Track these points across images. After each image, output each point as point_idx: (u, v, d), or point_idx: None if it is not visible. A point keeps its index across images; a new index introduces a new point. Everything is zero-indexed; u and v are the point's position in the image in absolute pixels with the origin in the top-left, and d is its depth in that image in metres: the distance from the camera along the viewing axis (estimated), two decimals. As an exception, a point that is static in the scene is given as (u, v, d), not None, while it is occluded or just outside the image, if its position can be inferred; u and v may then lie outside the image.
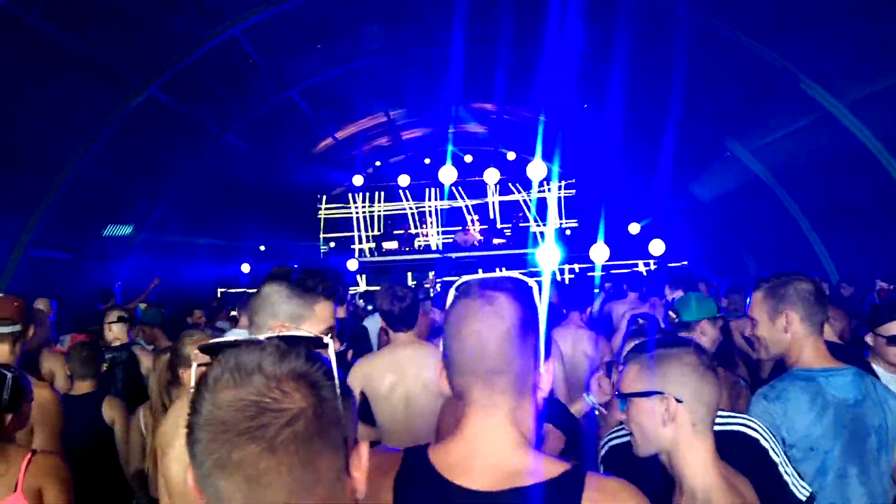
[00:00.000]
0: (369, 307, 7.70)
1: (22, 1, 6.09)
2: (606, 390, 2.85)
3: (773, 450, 1.88)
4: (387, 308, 3.26)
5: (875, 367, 2.95)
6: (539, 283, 1.30)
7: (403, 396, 3.11)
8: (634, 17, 7.67)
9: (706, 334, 3.33)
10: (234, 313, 7.93)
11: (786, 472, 1.85)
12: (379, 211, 17.70)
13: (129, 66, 7.91)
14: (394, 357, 3.23)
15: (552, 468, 1.17)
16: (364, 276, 15.47)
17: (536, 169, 9.82)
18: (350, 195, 17.61)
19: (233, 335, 4.58)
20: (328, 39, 9.95)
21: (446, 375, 1.28)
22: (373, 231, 17.54)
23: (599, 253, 8.64)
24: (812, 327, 2.32)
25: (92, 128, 8.10)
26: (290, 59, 10.13)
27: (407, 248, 15.49)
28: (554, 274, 13.10)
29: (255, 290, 1.93)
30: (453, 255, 14.41)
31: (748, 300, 2.48)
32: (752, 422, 1.95)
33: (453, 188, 16.70)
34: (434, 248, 16.51)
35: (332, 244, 17.15)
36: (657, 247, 11.03)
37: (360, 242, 17.49)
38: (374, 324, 5.69)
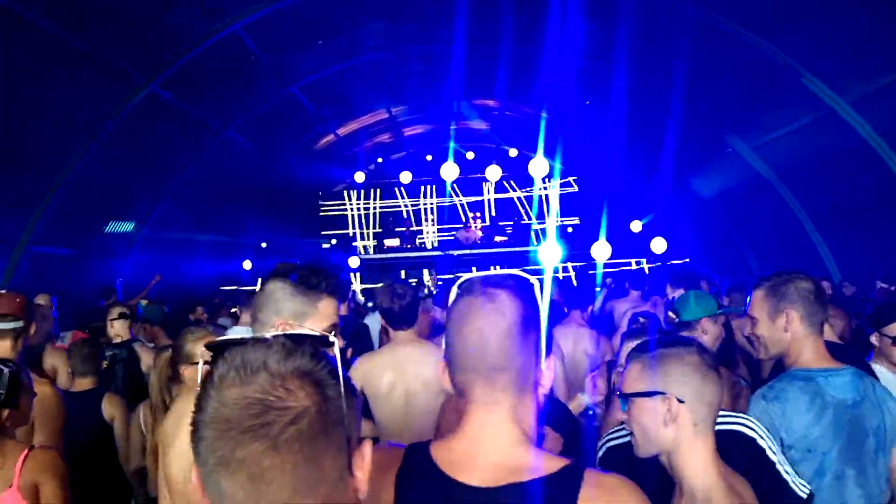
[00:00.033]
0: (370, 304, 7.70)
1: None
2: (601, 390, 2.85)
3: (770, 448, 1.87)
4: (387, 306, 3.24)
5: (878, 367, 2.92)
6: (541, 281, 1.30)
7: (403, 395, 3.10)
8: (635, 13, 7.66)
9: (707, 332, 3.31)
10: (234, 310, 7.94)
11: (784, 470, 1.84)
12: (375, 209, 17.68)
13: (131, 63, 7.91)
14: (393, 355, 3.21)
15: (551, 464, 1.18)
16: (358, 274, 15.46)
17: (538, 166, 9.80)
18: (346, 192, 17.60)
19: (234, 332, 4.59)
20: (329, 36, 9.94)
21: (448, 373, 1.29)
22: (370, 228, 17.53)
23: (601, 251, 8.63)
24: (812, 327, 2.30)
25: (93, 125, 8.11)
26: (291, 55, 10.13)
27: (409, 246, 15.50)
28: (555, 271, 13.09)
29: (258, 288, 1.93)
30: (454, 253, 14.41)
31: (748, 298, 2.46)
32: (750, 421, 1.94)
33: (450, 186, 16.71)
34: (430, 245, 16.50)
35: (334, 241, 17.15)
36: (659, 245, 11.02)
37: (363, 239, 17.49)
38: (375, 321, 5.68)
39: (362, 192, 17.57)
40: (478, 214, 16.91)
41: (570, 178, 16.99)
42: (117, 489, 3.71)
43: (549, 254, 8.64)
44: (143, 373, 4.53)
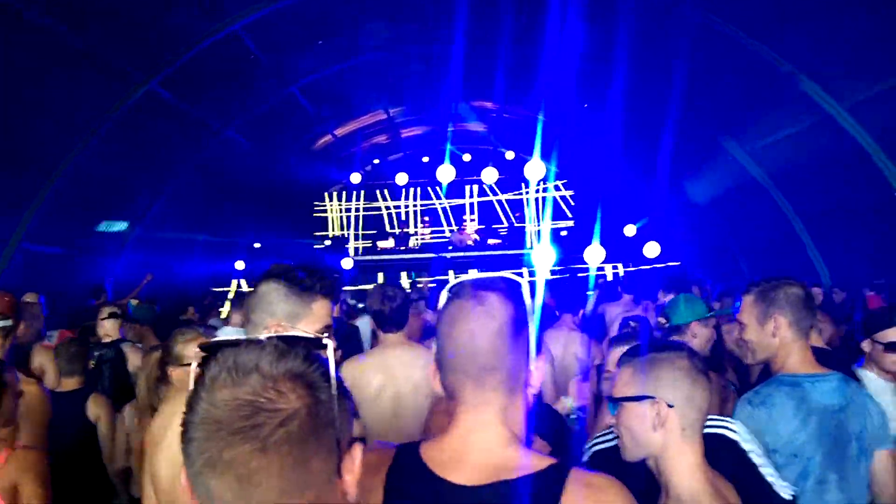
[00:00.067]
0: (360, 305, 7.67)
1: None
2: (584, 395, 2.85)
3: (753, 451, 1.88)
4: (377, 308, 3.21)
5: (869, 373, 2.94)
6: (533, 283, 1.31)
7: (392, 398, 3.08)
8: (634, 16, 7.66)
9: (697, 336, 3.33)
10: (223, 310, 7.91)
11: (769, 473, 1.85)
12: (362, 210, 17.64)
13: (130, 61, 7.89)
14: (383, 358, 3.18)
15: (538, 463, 1.20)
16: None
17: (534, 169, 9.80)
18: (341, 193, 17.58)
19: (224, 333, 4.57)
20: (329, 36, 9.94)
21: (439, 376, 1.31)
22: (363, 230, 17.50)
23: (594, 254, 8.62)
24: (800, 332, 2.32)
25: (91, 123, 8.08)
26: (291, 55, 10.12)
27: (403, 248, 15.49)
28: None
29: (250, 289, 1.92)
30: (448, 255, 14.42)
31: (737, 303, 2.47)
32: (734, 424, 1.95)
33: (439, 188, 16.75)
34: (414, 246, 16.49)
35: (328, 242, 17.14)
36: (652, 249, 11.02)
37: (356, 241, 17.47)
38: (365, 324, 5.66)
39: (358, 193, 17.54)
40: (473, 217, 16.92)
41: (564, 182, 17.01)
42: (100, 489, 3.70)
43: (543, 257, 8.63)
44: (129, 373, 4.51)
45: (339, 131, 14.72)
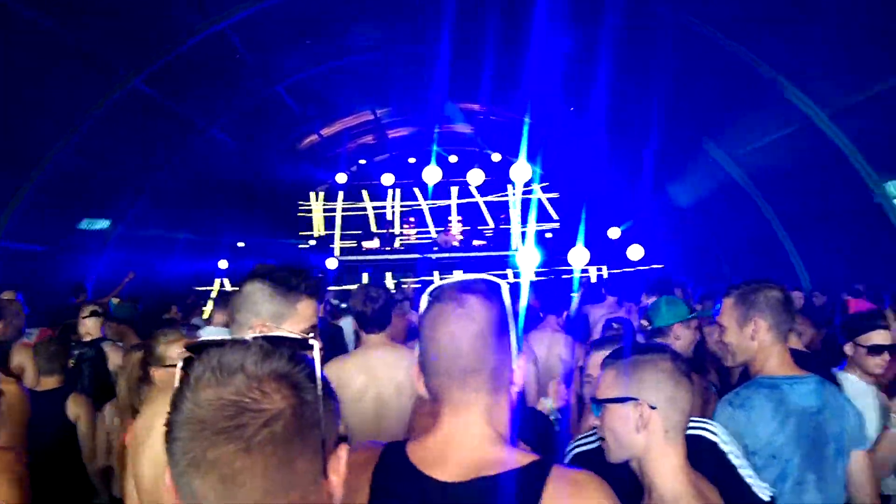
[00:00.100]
0: (343, 305, 7.65)
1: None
2: (563, 395, 2.86)
3: (732, 452, 1.89)
4: (360, 309, 3.19)
5: (851, 376, 2.97)
6: (511, 285, 1.32)
7: (375, 399, 3.06)
8: (618, 20, 7.71)
9: (680, 338, 3.35)
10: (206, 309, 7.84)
11: (747, 474, 1.86)
12: (343, 211, 17.59)
13: (114, 57, 7.82)
14: (365, 359, 3.16)
15: (521, 459, 1.22)
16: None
17: (520, 170, 9.82)
18: (326, 193, 17.52)
19: (207, 333, 4.54)
20: (316, 36, 9.91)
21: (423, 378, 1.32)
22: (333, 230, 17.44)
23: (579, 256, 8.66)
24: (779, 336, 2.34)
25: (73, 119, 8.00)
26: (277, 54, 10.09)
27: (388, 248, 15.47)
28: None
29: (234, 289, 1.91)
30: (433, 256, 14.42)
31: (717, 305, 2.50)
32: (712, 426, 1.96)
33: (416, 189, 16.78)
34: (399, 247, 16.49)
35: (312, 242, 17.06)
36: (636, 252, 11.10)
37: (341, 241, 17.42)
38: (348, 324, 5.64)
39: (343, 193, 17.48)
40: (458, 218, 16.94)
41: (549, 185, 17.07)
42: (80, 489, 3.66)
43: (527, 258, 8.66)
44: (110, 372, 4.47)
45: (326, 131, 14.68)
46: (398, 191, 17.22)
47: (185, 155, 10.94)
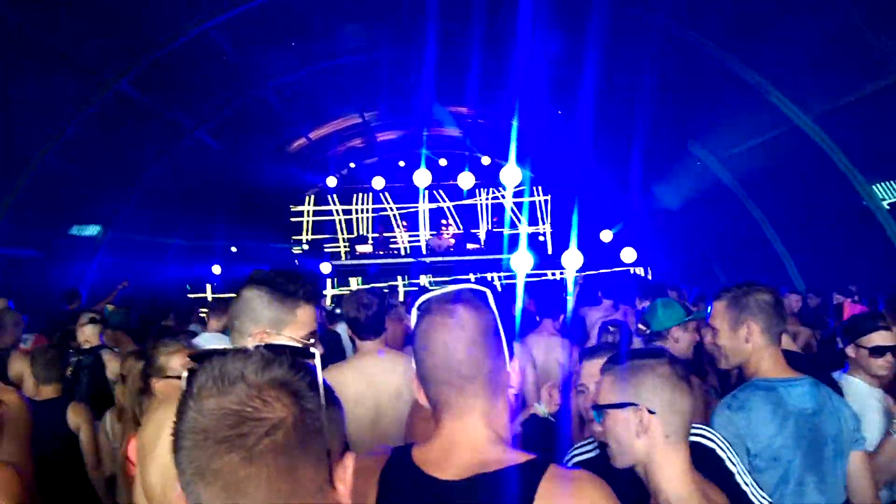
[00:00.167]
0: (338, 311, 7.61)
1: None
2: (556, 400, 2.87)
3: (729, 459, 1.91)
4: (353, 315, 3.13)
5: (855, 378, 2.94)
6: (505, 289, 1.35)
7: (372, 406, 3.03)
8: (605, 25, 7.76)
9: (679, 340, 3.34)
10: (204, 315, 7.80)
11: (744, 481, 1.87)
12: (334, 215, 17.56)
13: (99, 58, 7.74)
14: (361, 366, 3.12)
15: (518, 458, 1.26)
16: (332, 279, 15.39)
17: (510, 174, 9.85)
18: (317, 197, 17.48)
19: (203, 339, 4.53)
20: (303, 38, 9.87)
21: (422, 389, 1.37)
22: (325, 234, 17.39)
23: (572, 259, 8.68)
24: (772, 338, 2.36)
25: (59, 122, 7.92)
26: (264, 56, 10.03)
27: (381, 252, 15.42)
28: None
29: (229, 295, 1.91)
30: (427, 260, 14.41)
31: (709, 308, 2.51)
32: (708, 431, 1.98)
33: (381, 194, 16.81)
34: (393, 251, 16.47)
35: (306, 246, 17.00)
36: (629, 254, 11.14)
37: (334, 244, 17.37)
38: (344, 329, 5.61)
39: (334, 196, 17.44)
40: (451, 221, 16.93)
41: (540, 187, 17.12)
42: (83, 499, 3.63)
43: (521, 261, 8.68)
44: (108, 380, 4.44)
45: (314, 134, 14.61)
46: (386, 195, 17.21)
47: (173, 158, 10.86)
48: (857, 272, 7.58)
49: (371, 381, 3.07)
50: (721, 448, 1.93)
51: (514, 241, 14.70)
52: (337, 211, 17.45)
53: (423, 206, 17.19)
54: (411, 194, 16.85)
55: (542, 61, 8.91)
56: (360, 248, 15.44)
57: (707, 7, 7.57)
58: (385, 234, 16.44)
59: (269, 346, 0.90)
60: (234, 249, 14.55)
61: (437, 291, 1.39)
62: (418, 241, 16.85)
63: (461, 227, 16.67)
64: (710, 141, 9.79)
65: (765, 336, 2.35)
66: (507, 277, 12.90)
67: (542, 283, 13.74)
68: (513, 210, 16.69)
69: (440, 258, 14.62)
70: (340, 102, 13.45)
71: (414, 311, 1.39)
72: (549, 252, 14.21)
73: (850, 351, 3.00)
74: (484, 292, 1.37)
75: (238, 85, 10.61)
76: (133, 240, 10.93)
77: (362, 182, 16.70)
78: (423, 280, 14.98)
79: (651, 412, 1.62)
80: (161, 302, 8.79)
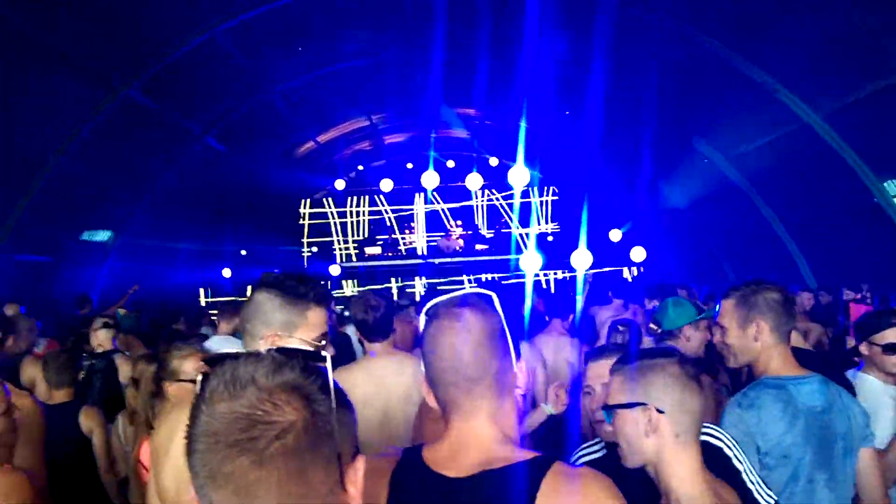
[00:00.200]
0: (346, 313, 7.63)
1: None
2: (564, 400, 2.87)
3: (736, 458, 1.90)
4: (361, 318, 3.13)
5: (869, 376, 2.91)
6: (515, 290, 1.37)
7: (381, 408, 3.03)
8: (612, 26, 7.75)
9: (691, 339, 3.32)
10: (214, 318, 7.84)
11: (749, 479, 1.87)
12: (343, 217, 17.60)
13: (109, 65, 7.81)
14: (370, 368, 3.13)
15: (524, 455, 1.29)
16: (354, 280, 15.46)
17: (518, 175, 9.83)
18: (326, 200, 17.53)
19: (213, 342, 4.55)
20: (310, 42, 9.93)
21: (432, 392, 1.40)
22: (350, 236, 17.45)
23: (581, 259, 8.65)
24: (781, 336, 2.35)
25: (69, 129, 7.99)
26: (271, 61, 10.09)
27: (390, 254, 15.45)
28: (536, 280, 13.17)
29: (242, 298, 1.92)
30: (436, 261, 14.42)
31: (717, 307, 2.50)
32: (716, 430, 1.97)
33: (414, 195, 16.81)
34: (401, 252, 16.50)
35: (315, 249, 17.05)
36: (638, 254, 11.11)
37: (343, 247, 17.42)
38: (354, 331, 5.62)
39: (342, 199, 17.50)
40: (459, 223, 16.95)
41: (549, 188, 17.11)
42: (96, 503, 3.65)
43: (530, 262, 8.67)
44: (120, 384, 4.47)
45: (322, 138, 14.67)
46: (419, 196, 17.26)
47: (181, 163, 10.94)
48: (868, 269, 7.54)
49: (380, 383, 3.07)
50: (728, 446, 1.93)
51: (521, 242, 14.71)
52: (345, 213, 17.49)
53: (420, 209, 17.22)
54: (411, 197, 16.91)
55: (548, 62, 8.92)
56: (368, 251, 15.47)
57: (713, 6, 7.56)
58: (394, 237, 16.47)
59: (280, 350, 0.90)
60: (243, 253, 14.62)
61: (445, 297, 1.42)
62: (427, 242, 16.87)
63: (454, 228, 16.68)
64: (719, 139, 9.76)
65: (774, 334, 2.34)
66: (502, 279, 12.89)
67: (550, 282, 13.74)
68: (505, 210, 16.70)
69: (448, 259, 14.63)
70: (348, 106, 13.50)
71: (422, 316, 1.42)
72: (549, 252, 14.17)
73: (863, 348, 2.97)
74: (490, 296, 1.40)
75: (246, 90, 10.67)
76: (143, 244, 11.01)
77: (370, 184, 16.74)
78: (417, 282, 14.99)
79: (660, 411, 1.62)
80: (172, 306, 8.83)
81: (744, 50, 7.83)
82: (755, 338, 2.34)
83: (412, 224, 17.41)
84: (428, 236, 17.14)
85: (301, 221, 17.42)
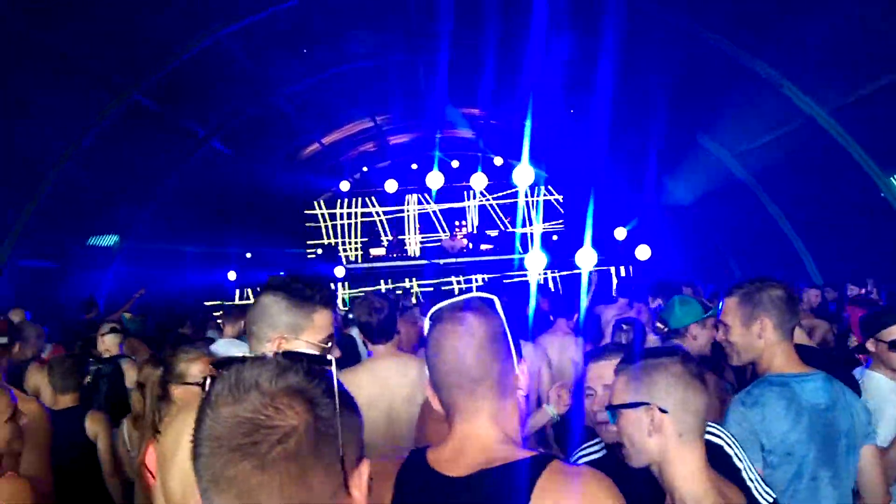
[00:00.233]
0: (350, 315, 7.63)
1: (9, 2, 6.02)
2: (566, 401, 2.86)
3: (736, 455, 1.91)
4: (364, 320, 3.15)
5: (877, 374, 2.88)
6: (519, 289, 1.38)
7: (385, 409, 3.04)
8: (618, 23, 7.74)
9: (697, 337, 3.33)
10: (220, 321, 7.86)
11: (749, 477, 1.87)
12: (348, 219, 17.63)
13: (115, 69, 7.85)
14: (374, 370, 3.13)
15: (523, 454, 1.31)
16: (345, 283, 15.49)
17: (523, 174, 9.81)
18: (331, 202, 17.56)
19: (219, 345, 4.56)
20: (314, 45, 9.95)
21: (437, 395, 1.43)
22: (355, 237, 17.47)
23: (586, 257, 8.62)
24: (784, 333, 2.35)
25: (74, 134, 8.02)
26: (276, 64, 10.12)
27: (395, 255, 15.46)
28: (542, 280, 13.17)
29: (247, 301, 1.92)
30: (440, 262, 14.43)
31: (720, 305, 2.49)
32: (716, 428, 1.97)
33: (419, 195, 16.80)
34: (411, 254, 16.54)
35: (319, 250, 17.08)
36: (643, 252, 11.08)
37: (348, 249, 17.44)
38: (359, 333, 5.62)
39: (347, 201, 17.52)
40: (464, 223, 16.95)
41: (553, 186, 17.08)
42: (102, 508, 3.66)
43: (535, 261, 8.65)
44: (127, 388, 4.49)
45: (327, 139, 14.70)
46: (414, 195, 17.28)
47: (187, 167, 10.98)
48: (875, 264, 7.50)
49: (384, 385, 3.08)
50: (728, 444, 1.93)
51: (525, 241, 14.70)
52: (349, 215, 17.52)
53: (412, 210, 17.25)
54: (426, 196, 16.91)
55: (553, 60, 8.91)
56: (373, 252, 15.48)
57: (717, 2, 7.53)
58: (400, 237, 16.48)
59: (286, 354, 0.91)
60: (248, 255, 14.65)
61: (448, 301, 1.46)
62: (432, 243, 16.88)
63: (447, 229, 16.71)
64: (724, 136, 9.72)
65: (777, 332, 2.34)
66: (491, 280, 12.90)
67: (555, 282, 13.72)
68: (495, 212, 16.72)
69: (453, 259, 14.63)
70: (352, 107, 13.54)
71: (426, 321, 1.46)
72: (553, 251, 14.17)
73: (869, 345, 2.96)
74: (492, 299, 1.44)
75: (251, 93, 10.71)
76: (149, 248, 11.05)
77: (375, 186, 16.76)
78: (408, 284, 15.01)
79: (663, 411, 1.62)
80: (177, 309, 8.87)
81: (749, 45, 7.80)
82: (759, 335, 2.34)
83: (415, 225, 17.43)
84: (429, 236, 17.15)
85: (307, 224, 17.45)
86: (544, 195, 17.09)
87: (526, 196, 16.65)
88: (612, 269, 13.74)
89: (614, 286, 8.66)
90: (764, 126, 8.83)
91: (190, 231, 12.43)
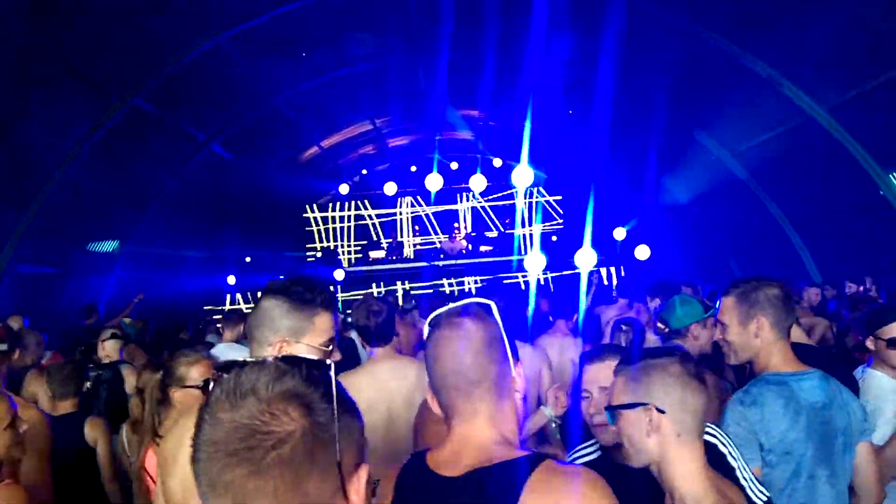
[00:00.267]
0: (349, 320, 7.62)
1: (8, 7, 6.03)
2: (563, 403, 2.86)
3: (730, 454, 1.91)
4: (363, 323, 3.15)
5: (878, 372, 2.86)
6: (519, 291, 1.39)
7: (384, 412, 3.03)
8: (618, 24, 7.74)
9: (698, 337, 3.32)
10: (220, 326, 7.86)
11: (743, 476, 1.87)
12: (347, 221, 17.64)
13: (114, 74, 7.85)
14: (372, 373, 3.13)
15: (515, 454, 1.34)
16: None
17: (522, 175, 9.81)
18: (330, 205, 17.56)
19: (219, 350, 4.56)
20: (314, 48, 9.97)
21: (436, 399, 1.47)
22: (354, 240, 17.47)
23: (586, 258, 8.62)
24: (781, 332, 2.35)
25: (74, 138, 8.03)
26: (275, 67, 10.12)
27: (394, 257, 15.46)
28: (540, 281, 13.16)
29: (246, 305, 1.92)
30: (440, 264, 14.42)
31: (717, 304, 2.49)
32: (711, 427, 1.97)
33: (418, 197, 16.81)
34: (408, 256, 16.53)
35: (319, 254, 17.08)
36: (643, 252, 11.07)
37: (347, 252, 17.44)
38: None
39: (347, 204, 17.53)
40: (464, 224, 16.96)
41: (551, 188, 17.08)
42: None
43: (534, 263, 8.65)
44: (127, 394, 4.48)
45: (326, 142, 14.70)
46: (406, 199, 17.28)
47: (187, 171, 10.98)
48: (875, 263, 7.50)
49: (383, 387, 3.08)
50: (723, 443, 1.94)
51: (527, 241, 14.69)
52: (349, 217, 17.53)
53: (405, 212, 17.26)
54: (425, 199, 16.90)
55: (552, 61, 8.92)
56: (373, 254, 15.48)
57: (717, 1, 7.53)
58: (398, 240, 16.49)
59: (284, 358, 0.90)
60: (248, 259, 14.65)
61: (446, 307, 1.50)
62: (431, 244, 16.88)
63: (441, 232, 16.72)
64: (723, 135, 9.73)
65: (774, 331, 2.34)
66: (489, 282, 12.90)
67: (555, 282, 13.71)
68: (488, 215, 16.72)
69: (452, 261, 14.63)
70: (352, 110, 13.55)
71: (426, 327, 1.50)
72: (552, 251, 14.19)
73: (869, 343, 2.95)
74: (489, 305, 1.48)
75: (250, 96, 10.72)
76: (149, 253, 11.05)
77: (374, 188, 16.77)
78: (399, 286, 15.01)
79: (661, 411, 1.62)
80: (177, 314, 8.87)
81: (748, 44, 7.81)
82: (756, 334, 2.35)
83: (415, 227, 17.43)
84: (424, 239, 17.15)
85: (307, 227, 17.46)
86: (543, 196, 17.09)
87: (525, 197, 16.65)
88: (612, 270, 13.72)
89: (614, 286, 8.66)
90: (763, 125, 8.84)
91: (190, 235, 12.43)
